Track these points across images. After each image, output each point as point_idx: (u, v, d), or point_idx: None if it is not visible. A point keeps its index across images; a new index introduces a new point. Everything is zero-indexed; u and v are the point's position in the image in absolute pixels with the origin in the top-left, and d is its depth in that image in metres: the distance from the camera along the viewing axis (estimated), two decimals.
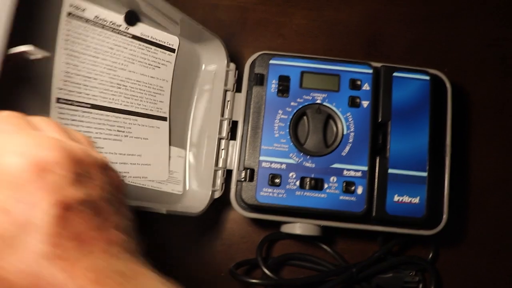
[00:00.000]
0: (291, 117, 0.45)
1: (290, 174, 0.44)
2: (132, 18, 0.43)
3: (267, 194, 0.44)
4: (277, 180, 0.44)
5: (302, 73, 0.46)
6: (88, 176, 0.22)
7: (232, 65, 0.48)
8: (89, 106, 0.41)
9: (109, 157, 0.42)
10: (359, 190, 0.44)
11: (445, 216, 0.45)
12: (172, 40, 0.47)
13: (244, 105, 0.47)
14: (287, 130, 0.45)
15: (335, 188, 0.44)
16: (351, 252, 0.50)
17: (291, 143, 0.44)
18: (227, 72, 0.48)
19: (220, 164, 0.47)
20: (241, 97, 0.47)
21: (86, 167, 0.22)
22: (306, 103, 0.45)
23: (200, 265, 0.49)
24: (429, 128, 0.45)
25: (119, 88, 0.43)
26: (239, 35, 0.54)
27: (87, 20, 0.41)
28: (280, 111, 0.45)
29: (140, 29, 0.45)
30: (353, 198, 0.44)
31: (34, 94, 0.37)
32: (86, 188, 0.22)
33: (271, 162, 0.44)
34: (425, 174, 0.44)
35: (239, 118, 0.47)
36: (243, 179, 0.44)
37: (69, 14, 0.39)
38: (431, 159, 0.45)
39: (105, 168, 0.24)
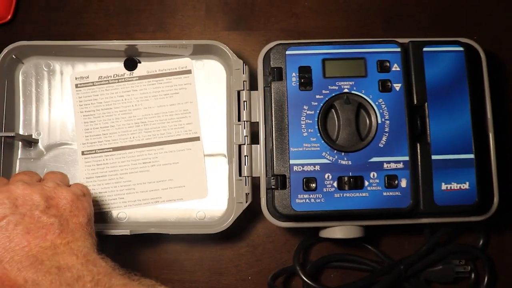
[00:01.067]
0: (318, 111, 0.40)
1: (326, 176, 0.39)
2: (131, 64, 0.46)
3: (303, 201, 0.39)
4: (312, 184, 0.39)
5: (324, 61, 0.41)
6: (54, 206, 0.35)
7: (239, 62, 0.43)
8: (111, 149, 0.45)
9: (137, 187, 0.44)
10: (403, 183, 0.39)
11: (496, 199, 0.41)
12: (184, 63, 0.46)
13: (263, 103, 0.41)
14: (316, 127, 0.40)
15: (377, 185, 0.39)
16: (393, 248, 0.45)
17: (322, 141, 0.39)
18: (236, 71, 0.43)
19: (245, 173, 0.42)
20: (258, 95, 0.42)
21: (53, 201, 0.36)
22: (333, 94, 0.40)
23: (224, 269, 0.45)
24: (470, 104, 0.40)
25: (138, 126, 0.45)
26: (249, 18, 0.48)
27: (93, 83, 0.46)
28: (305, 107, 0.40)
29: (144, 68, 0.46)
30: (397, 193, 0.39)
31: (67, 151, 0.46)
32: (50, 212, 0.35)
33: (303, 165, 0.39)
34: (471, 156, 0.40)
35: (259, 119, 0.42)
36: (273, 187, 0.39)
37: (77, 85, 0.46)
38: (476, 138, 0.40)
39: (73, 200, 0.36)
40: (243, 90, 0.43)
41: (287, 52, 0.41)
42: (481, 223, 0.42)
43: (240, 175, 0.42)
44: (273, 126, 0.40)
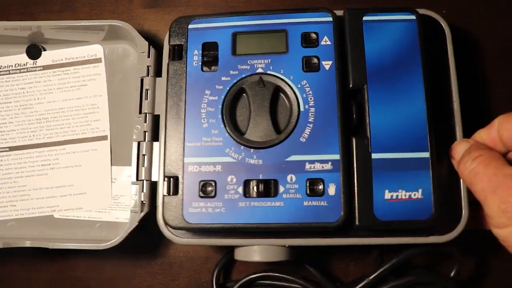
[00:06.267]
0: (223, 97, 0.29)
1: (229, 178, 0.28)
2: (34, 51, 0.38)
3: (198, 211, 0.28)
4: (210, 189, 0.28)
5: (235, 35, 0.30)
6: None
7: (144, 44, 0.34)
8: (7, 149, 0.37)
9: (32, 194, 0.36)
10: (331, 190, 0.28)
11: (464, 213, 0.29)
12: (94, 50, 0.38)
13: (166, 92, 0.31)
14: (220, 116, 0.29)
15: (296, 191, 0.28)
16: (338, 268, 0.34)
17: (227, 134, 0.29)
18: (141, 55, 0.34)
19: (142, 176, 0.32)
20: (162, 82, 0.32)
21: None
22: (243, 75, 0.30)
23: None
24: (424, 86, 0.29)
25: (40, 122, 0.37)
26: None
27: None
28: (207, 91, 0.30)
29: (49, 56, 0.38)
30: (323, 203, 0.28)
31: None
32: None
33: (201, 165, 0.29)
34: (427, 154, 0.28)
35: (161, 111, 0.32)
36: (164, 193, 0.29)
37: None
38: (432, 130, 0.28)
39: None
40: (147, 76, 0.33)
41: (189, 26, 0.31)
42: (450, 244, 0.29)
43: (137, 178, 0.32)
44: (167, 116, 0.30)
